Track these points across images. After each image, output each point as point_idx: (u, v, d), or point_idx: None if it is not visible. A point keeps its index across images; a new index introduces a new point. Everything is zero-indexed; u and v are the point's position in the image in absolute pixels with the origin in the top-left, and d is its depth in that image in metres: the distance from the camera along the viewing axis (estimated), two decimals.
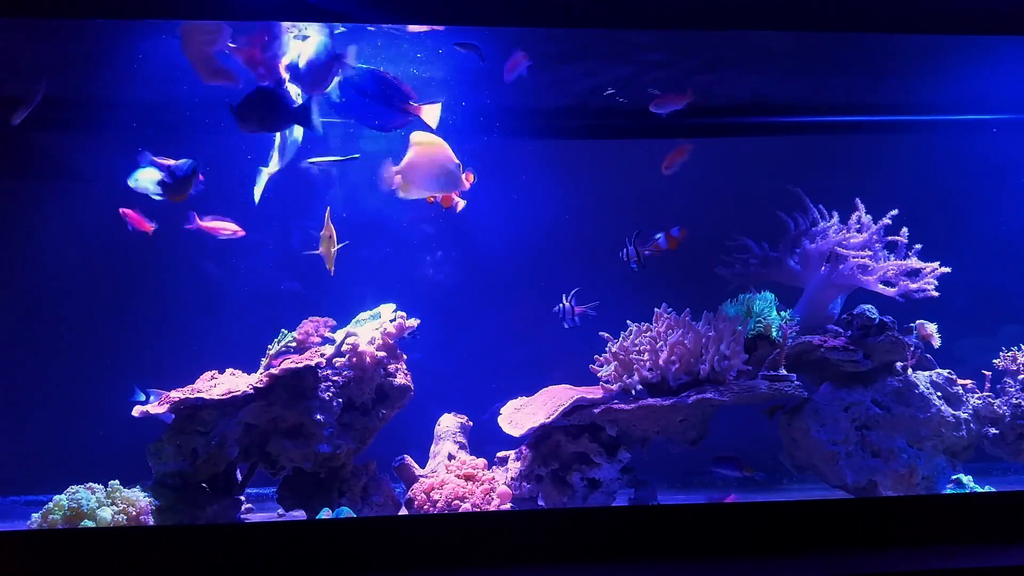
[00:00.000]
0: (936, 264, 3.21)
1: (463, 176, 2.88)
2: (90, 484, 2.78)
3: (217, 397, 2.93)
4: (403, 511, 3.07)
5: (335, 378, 3.02)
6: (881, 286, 3.23)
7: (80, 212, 3.59)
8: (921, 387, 3.11)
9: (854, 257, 3.25)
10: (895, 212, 3.27)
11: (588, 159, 3.93)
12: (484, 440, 3.32)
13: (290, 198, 3.45)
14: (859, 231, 3.31)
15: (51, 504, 2.67)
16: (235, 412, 2.96)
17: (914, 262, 3.22)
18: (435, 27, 3.02)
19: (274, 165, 3.10)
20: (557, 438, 3.09)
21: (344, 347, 3.06)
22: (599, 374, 3.17)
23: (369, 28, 3.00)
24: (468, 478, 3.05)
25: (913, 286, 3.19)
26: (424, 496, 3.00)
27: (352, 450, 3.02)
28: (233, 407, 2.97)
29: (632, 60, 3.46)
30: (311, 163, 3.24)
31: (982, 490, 3.14)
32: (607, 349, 3.18)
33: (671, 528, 2.39)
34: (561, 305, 3.13)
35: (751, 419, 3.26)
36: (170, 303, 3.65)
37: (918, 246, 3.27)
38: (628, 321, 3.20)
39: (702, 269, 3.57)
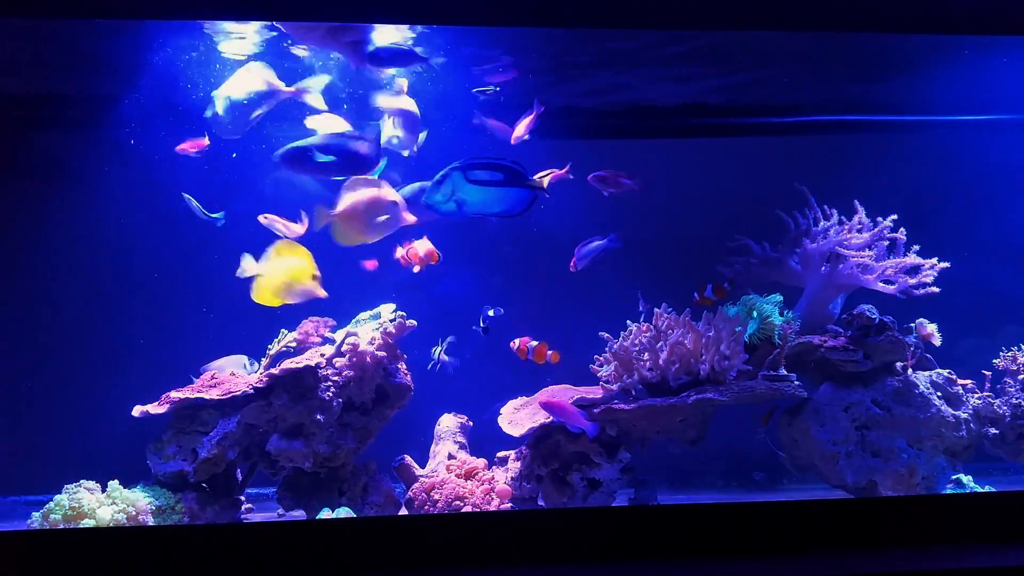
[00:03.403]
0: (935, 260, 3.21)
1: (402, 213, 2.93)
2: (87, 484, 2.79)
3: (217, 397, 2.94)
4: (403, 511, 3.07)
5: (335, 378, 3.02)
6: (881, 284, 3.23)
7: (80, 212, 3.59)
8: (921, 387, 3.11)
9: (855, 257, 3.25)
10: (895, 217, 3.28)
11: (588, 158, 3.93)
12: (484, 440, 3.32)
13: (292, 197, 3.44)
14: (860, 231, 3.32)
15: (51, 504, 2.67)
16: (235, 412, 2.97)
17: (913, 259, 3.23)
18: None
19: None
20: (557, 438, 3.09)
21: (344, 347, 3.06)
22: (599, 374, 3.17)
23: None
24: (468, 478, 3.05)
25: (912, 282, 3.19)
26: (424, 496, 3.00)
27: (352, 450, 3.02)
28: (233, 407, 2.98)
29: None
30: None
31: (982, 490, 3.14)
32: (607, 349, 3.18)
33: (671, 528, 2.39)
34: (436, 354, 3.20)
35: (751, 419, 3.26)
36: (170, 303, 3.64)
37: (916, 247, 3.28)
38: (628, 321, 3.20)
39: (703, 269, 3.56)
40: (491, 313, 3.17)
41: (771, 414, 3.23)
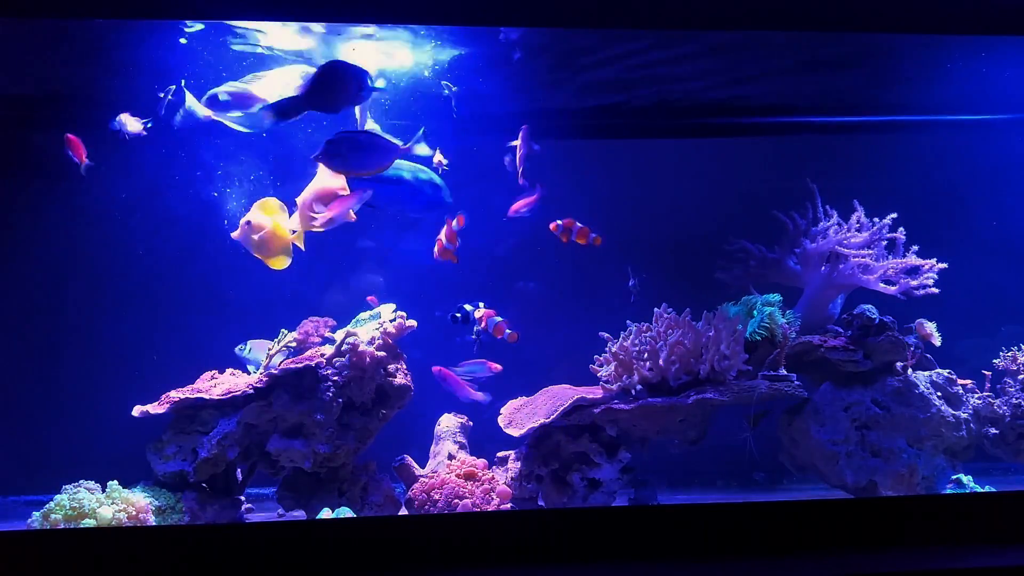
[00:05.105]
0: (934, 260, 3.22)
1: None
2: (87, 484, 2.79)
3: (217, 397, 2.94)
4: (403, 511, 3.07)
5: (335, 378, 3.02)
6: (882, 284, 3.23)
7: (80, 212, 3.59)
8: (921, 387, 3.11)
9: (855, 256, 3.25)
10: (894, 216, 3.28)
11: (587, 158, 3.93)
12: (484, 440, 3.32)
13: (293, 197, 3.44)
14: (859, 231, 3.32)
15: (52, 504, 2.67)
16: (235, 412, 2.97)
17: (913, 259, 3.23)
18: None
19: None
20: (557, 438, 3.09)
21: (344, 347, 3.05)
22: (599, 374, 3.17)
23: None
24: (468, 478, 3.05)
25: (914, 283, 3.19)
26: (424, 496, 3.00)
27: (352, 450, 3.02)
28: (233, 407, 2.98)
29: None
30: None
31: (982, 490, 3.14)
32: (607, 349, 3.18)
33: (671, 528, 2.39)
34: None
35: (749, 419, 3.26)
36: (170, 303, 3.65)
37: (915, 247, 3.28)
38: (628, 321, 3.19)
39: (702, 269, 3.57)
40: (468, 308, 3.19)
41: (762, 416, 3.22)
